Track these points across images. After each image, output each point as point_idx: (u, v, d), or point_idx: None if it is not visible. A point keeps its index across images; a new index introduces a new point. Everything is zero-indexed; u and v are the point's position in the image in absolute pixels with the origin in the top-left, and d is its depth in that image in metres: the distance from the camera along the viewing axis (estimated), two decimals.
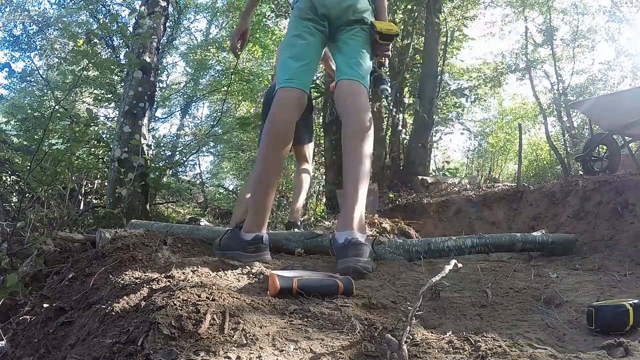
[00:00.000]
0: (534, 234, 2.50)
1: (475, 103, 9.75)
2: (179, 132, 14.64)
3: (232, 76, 9.41)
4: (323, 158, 7.05)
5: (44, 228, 3.38)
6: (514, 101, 15.53)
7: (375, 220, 2.93)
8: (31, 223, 3.43)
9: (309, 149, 3.36)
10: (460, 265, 1.35)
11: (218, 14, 13.96)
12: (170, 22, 9.76)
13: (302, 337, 0.96)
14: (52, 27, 11.83)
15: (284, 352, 0.89)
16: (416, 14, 5.97)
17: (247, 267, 1.47)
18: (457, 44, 7.29)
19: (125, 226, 3.51)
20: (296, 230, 2.81)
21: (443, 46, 6.33)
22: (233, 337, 0.93)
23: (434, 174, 6.06)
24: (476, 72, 10.68)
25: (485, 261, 2.24)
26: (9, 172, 5.73)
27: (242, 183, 13.03)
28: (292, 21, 1.99)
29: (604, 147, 4.64)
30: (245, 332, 0.95)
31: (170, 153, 13.12)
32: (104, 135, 8.12)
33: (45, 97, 11.30)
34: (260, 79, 11.29)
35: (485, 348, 0.93)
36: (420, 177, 4.90)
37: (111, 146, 5.55)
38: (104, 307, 1.13)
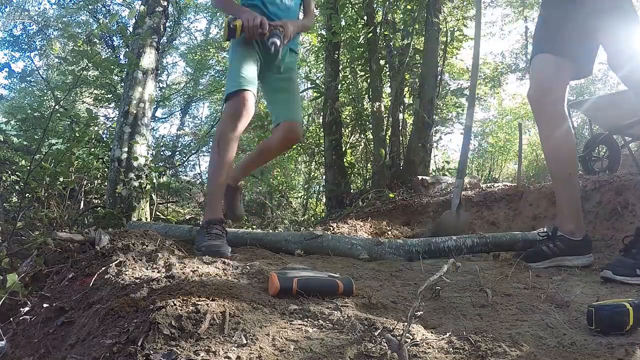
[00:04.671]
0: (535, 232, 2.50)
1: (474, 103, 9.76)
2: (179, 132, 14.65)
3: None
4: (323, 158, 7.05)
5: (44, 228, 3.38)
6: (514, 101, 15.52)
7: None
8: (31, 223, 3.43)
9: None
10: (459, 264, 1.35)
11: (218, 14, 13.95)
12: (170, 22, 9.76)
13: (302, 337, 0.96)
14: (52, 27, 11.84)
15: (284, 352, 0.89)
16: (416, 14, 5.96)
17: (247, 267, 1.48)
18: (457, 44, 7.26)
19: (125, 226, 3.50)
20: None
21: (443, 46, 6.31)
22: (233, 337, 0.93)
23: (434, 174, 6.05)
24: None
25: (485, 261, 2.24)
26: (9, 172, 5.73)
27: (242, 183, 13.00)
28: None
29: (604, 147, 4.64)
30: (245, 332, 0.95)
31: (170, 153, 13.13)
32: (103, 136, 8.12)
33: (45, 97, 11.31)
34: None
35: (485, 348, 0.93)
36: (420, 177, 4.89)
37: (111, 146, 5.55)
38: (104, 307, 1.13)
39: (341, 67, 6.76)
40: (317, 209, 8.07)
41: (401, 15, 6.49)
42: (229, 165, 2.13)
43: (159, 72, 6.94)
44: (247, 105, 2.08)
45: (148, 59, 5.45)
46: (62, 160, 3.61)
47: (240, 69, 2.14)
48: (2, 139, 6.64)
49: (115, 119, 6.99)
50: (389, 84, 6.41)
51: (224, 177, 2.11)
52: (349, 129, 6.98)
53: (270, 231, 3.46)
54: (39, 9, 12.41)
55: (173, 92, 13.69)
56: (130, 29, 6.21)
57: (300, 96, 2.45)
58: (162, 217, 5.71)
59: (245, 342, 0.91)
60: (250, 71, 2.17)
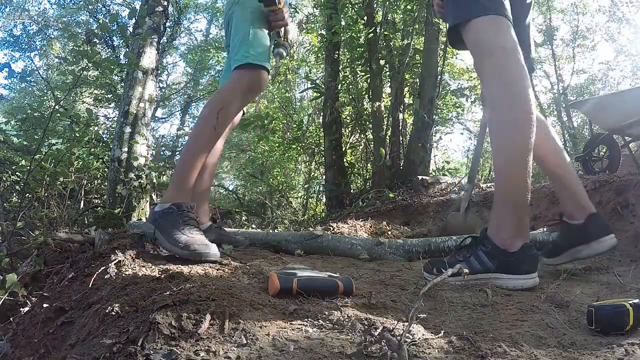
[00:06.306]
0: (535, 232, 2.50)
1: (475, 103, 9.74)
2: (179, 132, 14.66)
3: None
4: (323, 158, 7.05)
5: (44, 228, 3.38)
6: None
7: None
8: (31, 223, 3.43)
9: None
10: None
11: (218, 14, 13.96)
12: (170, 22, 9.76)
13: (302, 337, 0.96)
14: (52, 27, 11.84)
15: (284, 352, 0.89)
16: (416, 14, 5.97)
17: (247, 266, 1.48)
18: None
19: (125, 226, 3.50)
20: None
21: (443, 46, 6.32)
22: (233, 337, 0.93)
23: (434, 174, 6.06)
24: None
25: None
26: (9, 172, 5.73)
27: (242, 183, 13.02)
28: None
29: (604, 147, 4.64)
30: (245, 332, 0.95)
31: (170, 153, 13.14)
32: (103, 136, 8.14)
33: (45, 97, 11.32)
34: None
35: (485, 348, 0.93)
36: (420, 177, 4.90)
37: (111, 146, 5.55)
38: (104, 307, 1.13)
39: (341, 67, 6.76)
40: (317, 209, 8.07)
41: (401, 15, 6.49)
42: (214, 147, 1.83)
43: (159, 72, 6.95)
44: (263, 86, 1.84)
45: (148, 59, 5.46)
46: (62, 160, 3.61)
47: (264, 38, 1.87)
48: (2, 139, 6.65)
49: (115, 119, 6.99)
50: (389, 84, 6.41)
51: (205, 158, 1.77)
52: (349, 129, 6.98)
53: (270, 231, 3.47)
54: (39, 9, 12.43)
55: (173, 92, 13.70)
56: (130, 29, 6.22)
57: None
58: None
59: (245, 342, 0.91)
60: (268, 45, 1.90)
